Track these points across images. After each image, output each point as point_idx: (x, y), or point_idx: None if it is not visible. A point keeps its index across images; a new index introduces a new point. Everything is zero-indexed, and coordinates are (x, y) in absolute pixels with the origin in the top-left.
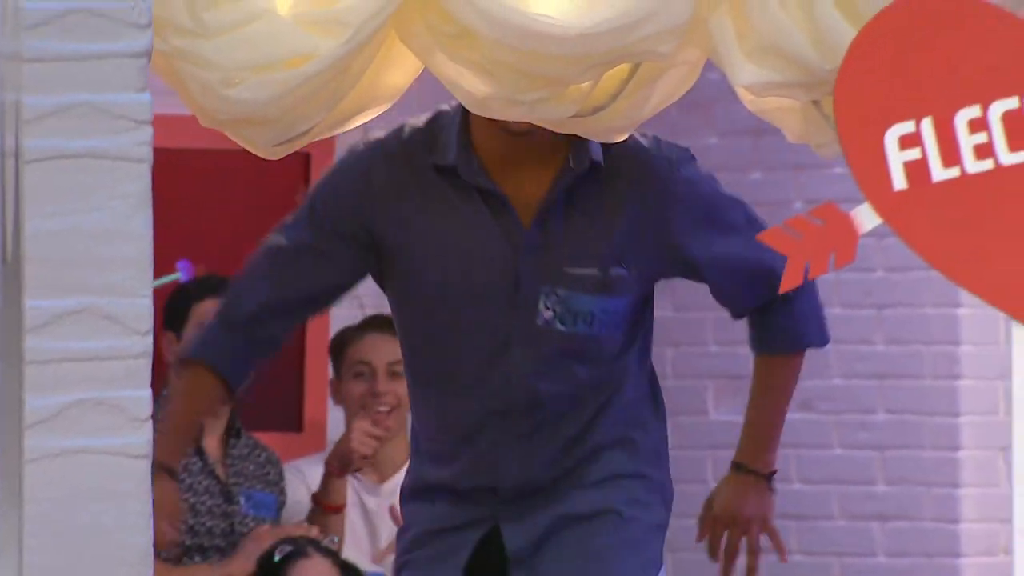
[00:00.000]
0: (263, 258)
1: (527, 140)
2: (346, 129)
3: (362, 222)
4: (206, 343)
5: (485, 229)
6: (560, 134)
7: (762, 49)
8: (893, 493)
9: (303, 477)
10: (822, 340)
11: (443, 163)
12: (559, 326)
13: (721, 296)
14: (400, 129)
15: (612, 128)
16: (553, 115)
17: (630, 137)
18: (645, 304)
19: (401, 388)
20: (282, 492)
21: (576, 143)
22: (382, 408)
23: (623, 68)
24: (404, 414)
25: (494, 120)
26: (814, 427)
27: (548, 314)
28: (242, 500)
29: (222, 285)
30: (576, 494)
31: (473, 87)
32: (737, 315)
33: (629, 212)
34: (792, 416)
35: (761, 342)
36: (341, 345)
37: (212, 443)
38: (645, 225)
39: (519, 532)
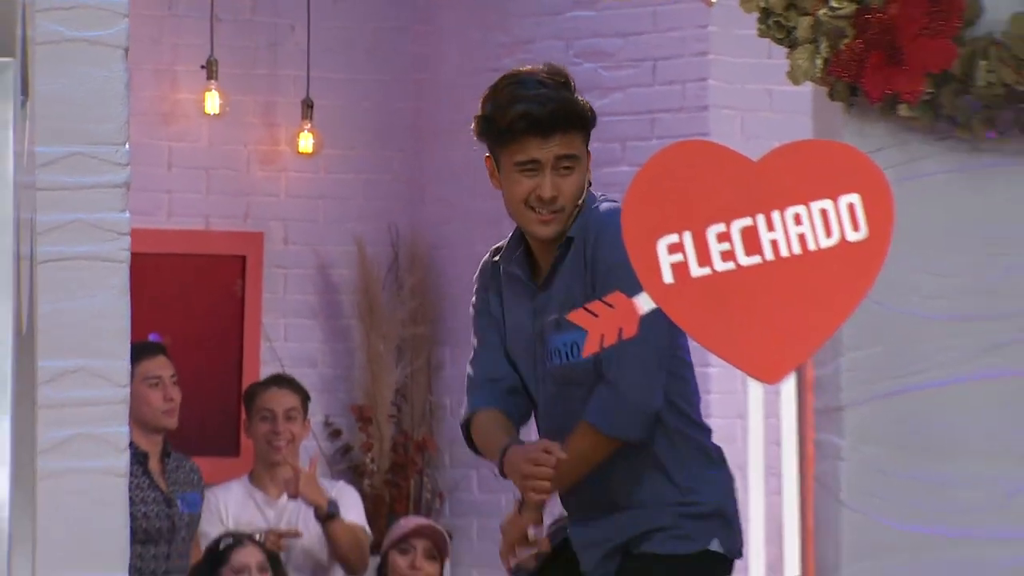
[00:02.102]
0: (483, 342)
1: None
2: None
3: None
4: (485, 396)
5: (521, 306)
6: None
7: None
8: None
9: (216, 500)
10: (606, 427)
11: (498, 261)
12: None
13: None
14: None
15: None
16: None
17: (601, 205)
18: None
19: (295, 428)
20: (202, 490)
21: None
22: (280, 442)
23: None
24: (296, 448)
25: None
26: None
27: (556, 359)
28: (179, 503)
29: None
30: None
31: None
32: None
33: (590, 266)
34: None
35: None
36: (251, 395)
37: (154, 464)
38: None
39: (581, 535)
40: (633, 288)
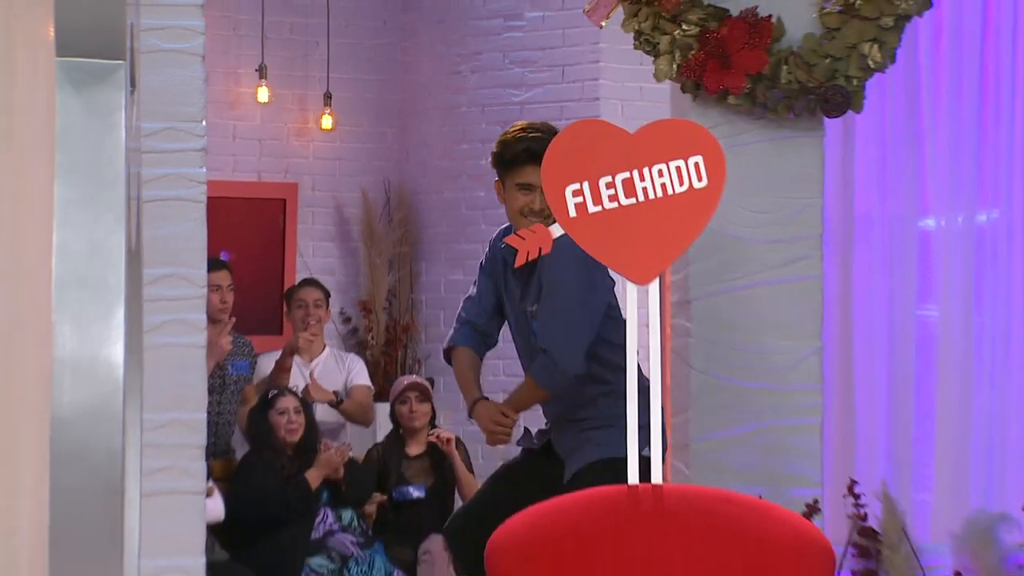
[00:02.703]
0: (477, 294)
1: None
2: None
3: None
4: (464, 336)
5: (514, 289)
6: None
7: None
8: None
9: (268, 363)
10: (542, 383)
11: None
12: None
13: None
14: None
15: None
16: None
17: None
18: None
19: (320, 313)
20: (254, 360)
21: None
22: (312, 321)
23: None
24: (321, 327)
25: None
26: None
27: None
28: (229, 367)
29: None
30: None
31: None
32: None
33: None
34: None
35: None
36: (291, 292)
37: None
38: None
39: (559, 443)
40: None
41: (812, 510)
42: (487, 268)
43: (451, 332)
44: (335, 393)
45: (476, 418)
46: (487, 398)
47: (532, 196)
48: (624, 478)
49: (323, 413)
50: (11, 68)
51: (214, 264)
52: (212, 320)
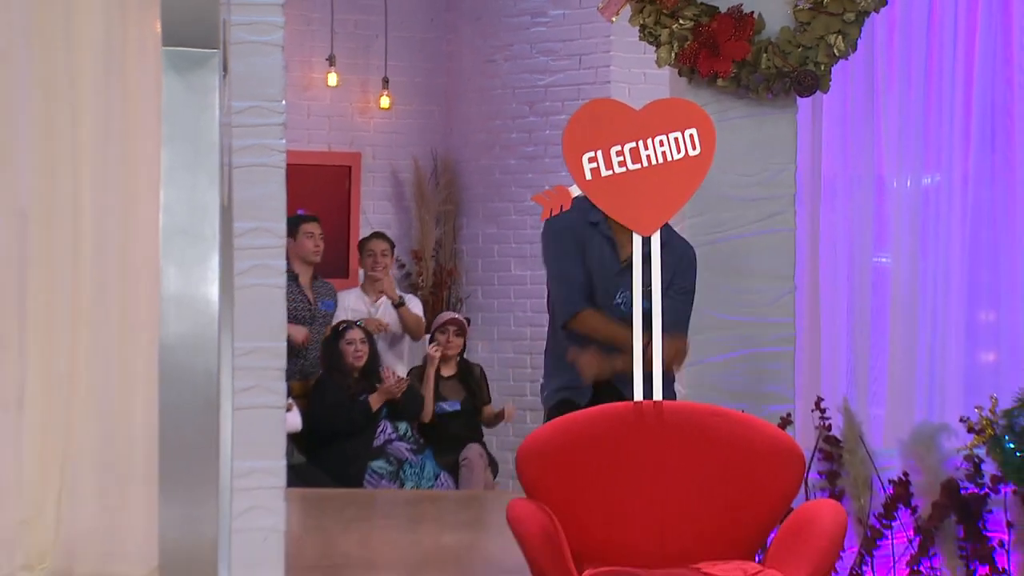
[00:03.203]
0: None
1: None
2: None
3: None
4: (584, 300)
5: (605, 258)
6: None
7: None
8: None
9: (342, 300)
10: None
11: (593, 220)
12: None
13: None
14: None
15: None
16: None
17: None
18: None
19: (386, 260)
20: (335, 297)
21: None
22: (378, 268)
23: None
24: (387, 271)
25: None
26: None
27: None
28: (319, 304)
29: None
30: None
31: None
32: None
33: (672, 277)
34: None
35: None
36: (363, 243)
37: (304, 281)
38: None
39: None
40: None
41: (786, 422)
42: (574, 239)
43: (566, 302)
44: (400, 297)
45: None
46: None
47: None
48: None
49: (390, 324)
50: (125, 56)
51: (309, 218)
52: (307, 261)
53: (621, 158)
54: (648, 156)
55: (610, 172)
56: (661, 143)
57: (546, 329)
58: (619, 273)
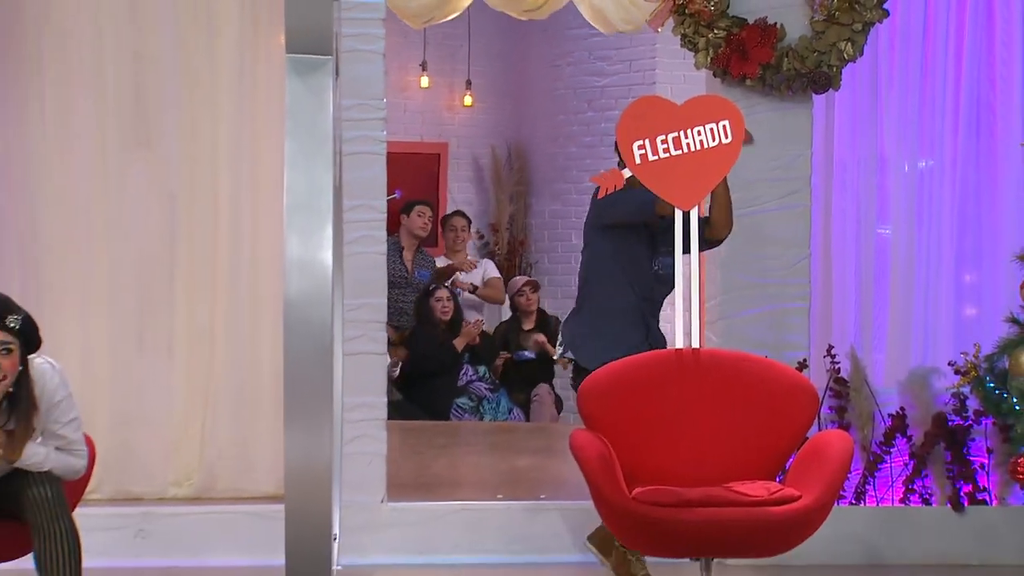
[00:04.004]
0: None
1: None
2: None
3: None
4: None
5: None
6: None
7: None
8: None
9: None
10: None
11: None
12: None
13: None
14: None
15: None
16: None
17: None
18: None
19: (465, 235)
20: (432, 269)
21: None
22: (459, 241)
23: None
24: (466, 243)
25: None
26: None
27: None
28: (416, 273)
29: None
30: None
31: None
32: None
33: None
34: None
35: None
36: (446, 219)
37: (407, 255)
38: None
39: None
40: None
41: (802, 366)
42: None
43: (646, 204)
44: (472, 285)
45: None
46: None
47: None
48: None
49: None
50: (256, 63)
51: (423, 201)
52: (415, 236)
53: (665, 145)
54: (688, 144)
55: (656, 157)
56: (699, 133)
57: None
58: (652, 244)
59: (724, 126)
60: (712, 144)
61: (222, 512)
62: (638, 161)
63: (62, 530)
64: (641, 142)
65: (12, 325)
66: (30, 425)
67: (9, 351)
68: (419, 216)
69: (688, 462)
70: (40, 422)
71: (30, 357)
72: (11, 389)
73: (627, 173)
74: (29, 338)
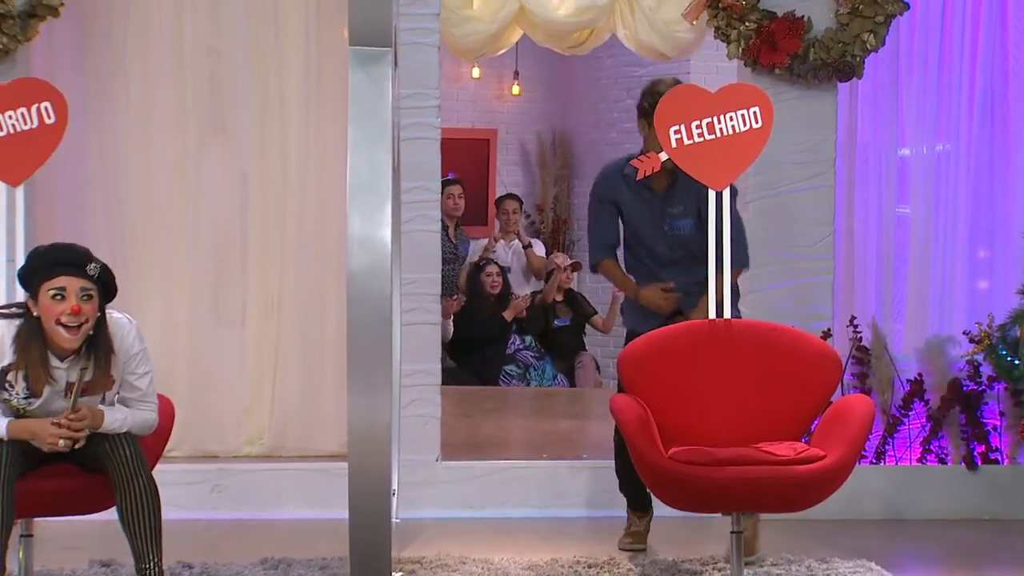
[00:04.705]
0: (603, 221)
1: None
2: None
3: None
4: (606, 252)
5: (643, 201)
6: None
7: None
8: None
9: (481, 244)
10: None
11: (628, 173)
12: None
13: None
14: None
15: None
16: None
17: None
18: None
19: (516, 216)
20: (470, 244)
21: None
22: (511, 221)
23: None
24: (517, 223)
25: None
26: None
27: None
28: (460, 247)
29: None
30: None
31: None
32: None
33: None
34: None
35: None
36: (499, 202)
37: (451, 232)
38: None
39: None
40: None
41: (826, 335)
42: (606, 198)
43: (592, 253)
44: (526, 243)
45: (644, 299)
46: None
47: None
48: None
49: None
50: (320, 55)
51: (454, 181)
52: (449, 216)
53: (700, 130)
54: (720, 129)
55: (691, 141)
56: (731, 119)
57: None
58: (660, 209)
59: (755, 112)
60: (743, 129)
61: (290, 469)
62: (674, 145)
63: (142, 486)
64: (677, 127)
65: (92, 273)
66: (108, 371)
67: (90, 297)
68: (448, 197)
69: (720, 424)
70: (118, 372)
71: (108, 309)
72: (91, 332)
73: (663, 156)
74: (108, 286)
